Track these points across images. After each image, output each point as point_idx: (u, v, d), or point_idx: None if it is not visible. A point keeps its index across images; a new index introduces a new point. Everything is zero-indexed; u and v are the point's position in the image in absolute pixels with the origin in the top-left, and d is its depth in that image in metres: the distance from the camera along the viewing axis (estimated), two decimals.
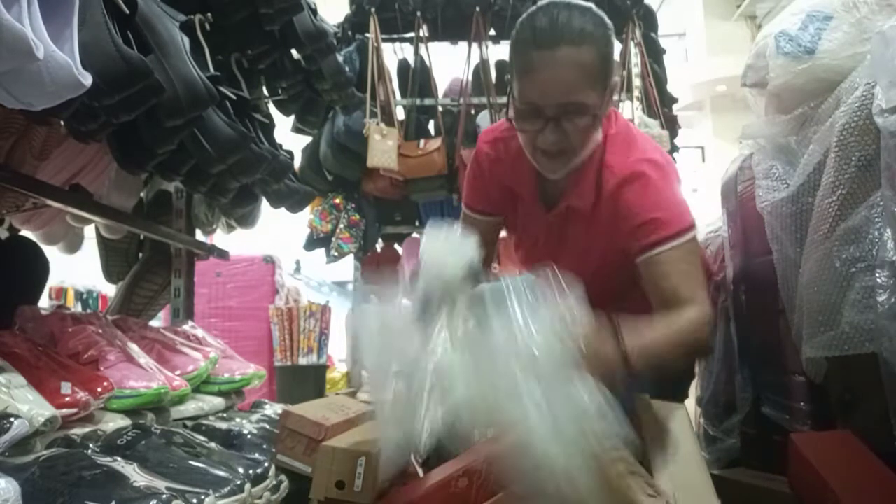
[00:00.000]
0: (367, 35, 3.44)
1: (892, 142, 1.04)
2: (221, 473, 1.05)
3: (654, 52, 3.60)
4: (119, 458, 0.98)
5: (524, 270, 1.57)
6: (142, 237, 2.44)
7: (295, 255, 5.42)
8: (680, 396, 1.51)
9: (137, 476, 0.92)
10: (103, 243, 2.44)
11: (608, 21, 1.21)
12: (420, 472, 1.42)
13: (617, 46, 3.74)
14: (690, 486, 1.04)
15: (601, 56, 1.18)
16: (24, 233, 2.11)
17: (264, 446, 1.34)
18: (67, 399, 1.17)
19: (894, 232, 1.05)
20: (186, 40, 1.29)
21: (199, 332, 2.00)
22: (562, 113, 1.17)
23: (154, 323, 2.23)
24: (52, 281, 3.91)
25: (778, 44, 1.39)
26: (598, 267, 1.34)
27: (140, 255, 2.48)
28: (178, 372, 1.60)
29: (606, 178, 1.28)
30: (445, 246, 1.15)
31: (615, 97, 3.53)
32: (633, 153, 1.29)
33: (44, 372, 1.22)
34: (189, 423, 1.44)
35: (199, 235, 2.51)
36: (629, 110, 3.51)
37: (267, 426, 1.47)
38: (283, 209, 2.04)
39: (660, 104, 3.47)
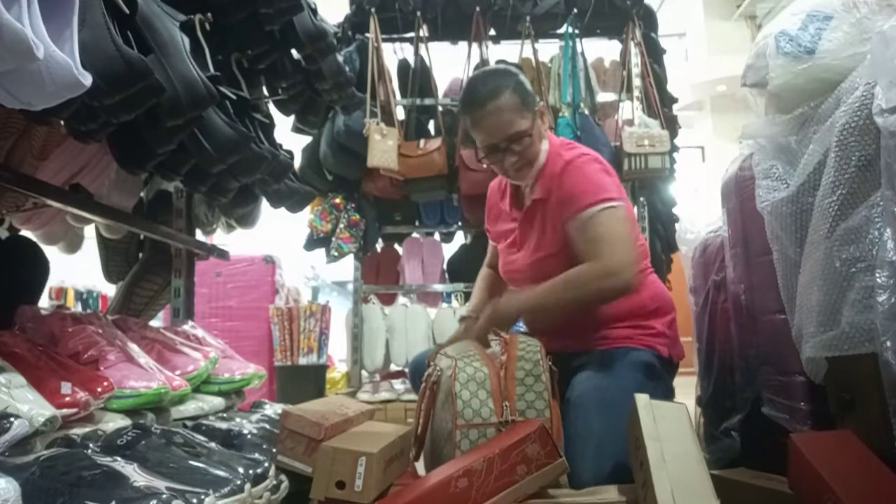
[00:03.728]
0: (367, 35, 3.44)
1: (892, 142, 1.04)
2: (221, 473, 1.05)
3: (654, 52, 3.60)
4: (119, 458, 0.98)
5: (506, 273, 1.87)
6: (142, 237, 2.44)
7: (295, 255, 5.42)
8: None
9: (137, 476, 0.92)
10: (103, 243, 2.44)
11: (514, 69, 1.74)
12: (420, 472, 1.42)
13: (617, 46, 3.76)
14: (690, 486, 1.04)
15: (518, 95, 1.60)
16: (24, 233, 2.12)
17: (264, 446, 1.34)
18: (67, 399, 1.18)
19: (894, 232, 1.05)
20: (186, 40, 1.29)
21: (199, 332, 2.00)
22: (509, 142, 1.61)
23: (154, 323, 2.23)
24: (52, 281, 3.92)
25: (778, 44, 1.39)
26: (555, 247, 1.64)
27: (140, 255, 2.48)
28: (178, 372, 1.60)
29: (553, 166, 1.66)
30: None
31: (617, 97, 3.57)
32: (574, 152, 1.67)
33: (44, 372, 1.22)
34: (189, 423, 1.44)
35: (199, 235, 2.51)
36: (629, 110, 3.51)
37: (267, 426, 1.47)
38: (283, 209, 2.04)
39: (660, 104, 3.47)
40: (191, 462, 1.09)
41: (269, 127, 1.80)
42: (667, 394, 1.61)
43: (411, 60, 3.60)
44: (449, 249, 3.82)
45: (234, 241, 2.82)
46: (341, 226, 3.46)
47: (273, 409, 1.69)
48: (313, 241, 3.55)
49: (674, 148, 3.54)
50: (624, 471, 1.28)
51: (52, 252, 2.12)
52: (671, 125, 3.56)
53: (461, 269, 3.58)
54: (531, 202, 1.69)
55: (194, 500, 0.91)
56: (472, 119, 1.64)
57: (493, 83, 1.61)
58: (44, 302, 2.43)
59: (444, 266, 3.72)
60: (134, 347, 1.54)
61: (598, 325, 1.64)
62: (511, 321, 1.61)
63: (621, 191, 1.63)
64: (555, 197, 1.63)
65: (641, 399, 1.23)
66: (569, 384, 1.53)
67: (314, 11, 1.83)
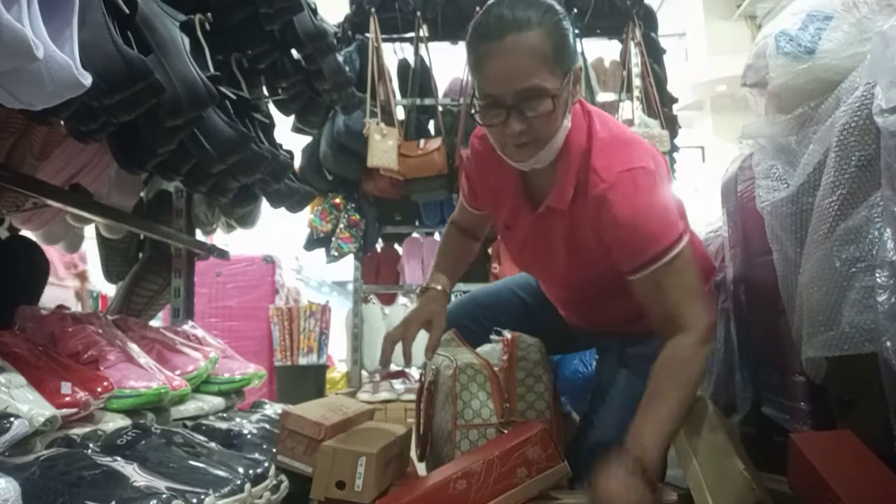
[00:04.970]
0: (367, 35, 3.44)
1: (892, 142, 1.04)
2: (221, 473, 1.05)
3: (654, 52, 3.60)
4: (119, 458, 0.98)
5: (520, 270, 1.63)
6: (142, 237, 2.44)
7: (295, 255, 5.42)
8: None
9: (137, 476, 0.92)
10: (103, 243, 2.44)
11: (559, 9, 1.21)
12: (420, 472, 1.42)
13: (617, 46, 3.76)
14: (722, 474, 1.06)
15: (552, 40, 1.17)
16: (24, 233, 2.11)
17: (264, 446, 1.34)
18: (67, 399, 1.17)
19: (894, 232, 1.05)
20: (186, 40, 1.29)
21: (199, 332, 2.00)
22: (521, 100, 1.18)
23: (154, 323, 2.22)
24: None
25: (778, 44, 1.39)
26: (585, 269, 1.36)
27: (140, 255, 2.48)
28: (178, 372, 1.60)
29: (594, 182, 1.26)
30: None
31: (617, 97, 3.56)
32: (623, 159, 1.27)
33: (44, 372, 1.22)
34: (189, 423, 1.44)
35: (199, 235, 2.51)
36: (629, 110, 3.51)
37: (267, 426, 1.47)
38: (283, 209, 2.04)
39: (660, 104, 3.47)
40: (191, 462, 1.09)
41: (269, 127, 1.80)
42: None
43: (411, 60, 3.60)
44: None
45: (234, 241, 2.82)
46: (341, 226, 3.46)
47: (273, 409, 1.69)
48: (313, 241, 3.55)
49: (674, 148, 3.54)
50: None
51: (52, 252, 2.12)
52: (671, 125, 3.56)
53: None
54: (545, 209, 1.34)
55: (194, 500, 0.91)
56: (479, 52, 1.21)
57: (524, 13, 1.17)
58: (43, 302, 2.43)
59: None
60: (134, 347, 1.54)
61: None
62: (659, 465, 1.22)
63: (680, 204, 1.36)
64: (587, 225, 1.30)
65: None
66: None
67: (314, 11, 1.83)
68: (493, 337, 1.54)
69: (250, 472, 1.10)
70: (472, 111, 1.27)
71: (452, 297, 1.62)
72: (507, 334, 1.49)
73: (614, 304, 1.41)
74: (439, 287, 1.47)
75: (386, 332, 1.37)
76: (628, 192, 1.23)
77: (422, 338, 1.39)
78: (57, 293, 3.75)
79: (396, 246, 3.86)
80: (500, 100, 1.19)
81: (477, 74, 1.23)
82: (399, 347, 1.37)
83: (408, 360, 1.37)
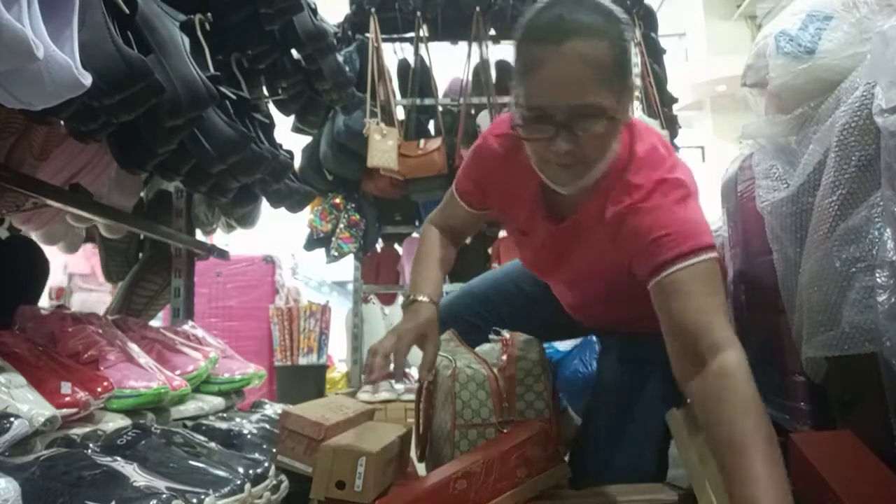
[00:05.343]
0: (367, 35, 3.44)
1: (892, 142, 1.04)
2: (221, 473, 1.05)
3: (654, 52, 3.60)
4: (119, 458, 0.98)
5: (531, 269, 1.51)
6: (142, 237, 2.44)
7: (295, 255, 5.42)
8: None
9: (137, 476, 0.92)
10: (103, 243, 2.44)
11: (623, 16, 1.08)
12: (420, 472, 1.42)
13: None
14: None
15: (615, 52, 1.04)
16: (24, 233, 2.12)
17: (264, 446, 1.34)
18: (67, 399, 1.18)
19: (894, 232, 1.05)
20: (186, 40, 1.29)
21: (199, 332, 2.00)
22: (573, 117, 1.03)
23: (154, 323, 2.23)
24: (52, 281, 3.91)
25: (778, 44, 1.39)
26: (602, 279, 1.29)
27: (140, 255, 2.48)
28: (178, 372, 1.60)
29: (625, 194, 1.16)
30: None
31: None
32: (657, 172, 1.16)
33: (44, 372, 1.22)
34: (189, 423, 1.44)
35: (199, 235, 2.51)
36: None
37: (267, 426, 1.47)
38: (283, 209, 2.04)
39: (660, 104, 3.47)
40: (191, 462, 1.09)
41: (269, 127, 1.80)
42: None
43: (411, 60, 3.60)
44: None
45: (234, 241, 2.82)
46: (341, 226, 3.47)
47: (273, 409, 1.69)
48: (313, 241, 3.56)
49: (674, 148, 3.55)
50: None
51: (52, 252, 2.12)
52: (671, 125, 3.56)
53: (461, 269, 3.58)
54: (573, 223, 1.26)
55: (194, 500, 0.91)
56: (530, 56, 1.05)
57: (587, 16, 1.03)
58: (44, 302, 2.43)
59: None
60: (134, 347, 1.54)
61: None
62: None
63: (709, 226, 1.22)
64: (611, 236, 1.19)
65: (675, 417, 1.23)
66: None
67: (314, 11, 1.83)
68: (491, 336, 1.53)
69: (250, 472, 1.10)
70: (514, 124, 1.11)
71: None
72: (506, 334, 1.49)
73: (626, 307, 1.32)
74: (426, 299, 1.30)
75: (371, 346, 1.21)
76: (661, 198, 1.14)
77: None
78: (100, 296, 3.77)
79: (396, 246, 3.86)
80: (549, 113, 1.04)
81: (524, 80, 1.07)
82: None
83: (400, 375, 1.29)
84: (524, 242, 1.40)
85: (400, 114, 3.53)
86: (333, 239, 3.48)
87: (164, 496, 0.86)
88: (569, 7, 1.04)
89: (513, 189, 1.32)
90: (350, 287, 3.80)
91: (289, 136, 3.06)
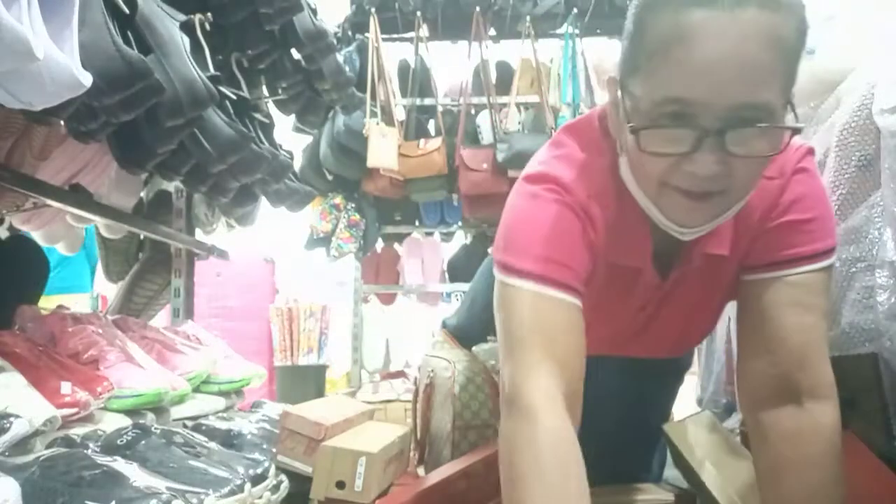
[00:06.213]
0: (367, 35, 3.44)
1: (892, 142, 1.04)
2: (221, 473, 1.05)
3: None
4: (119, 458, 0.98)
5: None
6: (142, 237, 2.44)
7: (296, 255, 5.42)
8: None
9: (137, 476, 0.92)
10: (103, 243, 2.44)
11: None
12: (420, 472, 1.42)
13: (617, 46, 3.75)
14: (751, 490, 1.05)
15: (797, 38, 0.72)
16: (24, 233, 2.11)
17: (264, 446, 1.34)
18: (67, 399, 1.18)
19: (894, 232, 1.05)
20: (186, 40, 1.29)
21: (200, 332, 2.00)
22: (733, 122, 0.70)
23: (154, 323, 2.23)
24: None
25: None
26: (694, 323, 1.06)
27: (140, 255, 2.48)
28: (178, 372, 1.60)
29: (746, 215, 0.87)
30: None
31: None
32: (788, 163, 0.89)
33: (44, 372, 1.22)
34: (189, 423, 1.44)
35: (199, 235, 2.51)
36: None
37: (267, 426, 1.47)
38: (283, 209, 2.04)
39: None
40: (191, 462, 1.09)
41: (269, 127, 1.80)
42: None
43: (411, 60, 3.60)
44: (449, 249, 3.82)
45: (234, 241, 2.82)
46: (341, 226, 3.47)
47: (273, 409, 1.69)
48: (313, 241, 3.56)
49: None
50: None
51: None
52: None
53: (461, 269, 3.58)
54: (680, 273, 0.93)
55: (194, 500, 0.91)
56: (674, 24, 0.70)
57: None
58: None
59: (444, 266, 3.72)
60: (134, 347, 1.54)
61: None
62: None
63: None
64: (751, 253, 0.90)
65: (673, 426, 1.23)
66: None
67: (314, 11, 1.83)
68: (490, 337, 1.53)
69: (250, 472, 1.10)
70: (630, 126, 0.75)
71: (454, 299, 1.55)
72: None
73: (684, 345, 1.17)
74: None
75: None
76: (806, 182, 0.89)
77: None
78: None
79: (396, 246, 3.86)
80: (694, 112, 0.71)
81: (656, 61, 0.72)
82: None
83: None
84: (601, 319, 0.95)
85: (400, 114, 3.52)
86: (333, 239, 3.47)
87: (164, 496, 0.86)
88: None
89: (619, 259, 0.91)
90: (350, 287, 3.80)
91: (289, 136, 3.05)
